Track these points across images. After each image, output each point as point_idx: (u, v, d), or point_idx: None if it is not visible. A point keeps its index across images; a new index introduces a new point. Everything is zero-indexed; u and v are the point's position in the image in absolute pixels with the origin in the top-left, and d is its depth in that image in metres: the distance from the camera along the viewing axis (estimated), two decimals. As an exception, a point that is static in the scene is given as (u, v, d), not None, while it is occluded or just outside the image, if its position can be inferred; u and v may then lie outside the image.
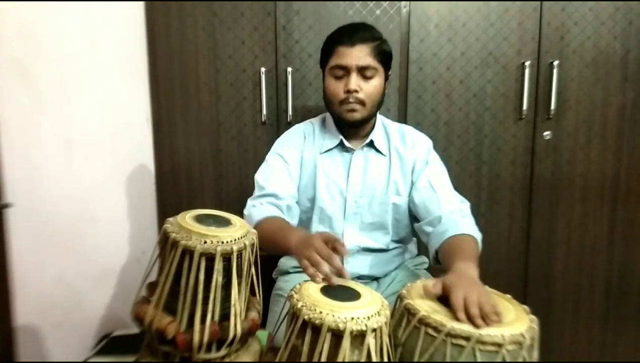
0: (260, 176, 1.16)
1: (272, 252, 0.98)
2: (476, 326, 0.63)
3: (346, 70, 1.07)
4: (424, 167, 1.15)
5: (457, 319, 0.64)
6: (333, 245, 0.83)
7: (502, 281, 1.60)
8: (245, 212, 1.10)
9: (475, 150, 1.58)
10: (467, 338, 0.61)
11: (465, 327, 0.62)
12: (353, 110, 1.09)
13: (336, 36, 1.10)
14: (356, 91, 1.07)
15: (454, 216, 1.05)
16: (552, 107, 1.52)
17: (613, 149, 1.56)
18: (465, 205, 1.11)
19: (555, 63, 1.50)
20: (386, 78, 1.14)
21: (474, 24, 1.52)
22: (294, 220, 1.12)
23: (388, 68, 1.14)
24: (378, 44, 1.08)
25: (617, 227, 1.59)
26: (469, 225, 1.03)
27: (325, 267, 0.75)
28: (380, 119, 1.22)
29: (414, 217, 1.18)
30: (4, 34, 1.15)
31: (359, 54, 1.06)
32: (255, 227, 0.96)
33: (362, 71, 1.07)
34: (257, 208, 1.08)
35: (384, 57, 1.10)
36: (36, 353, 1.26)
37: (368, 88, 1.08)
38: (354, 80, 1.07)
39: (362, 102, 1.09)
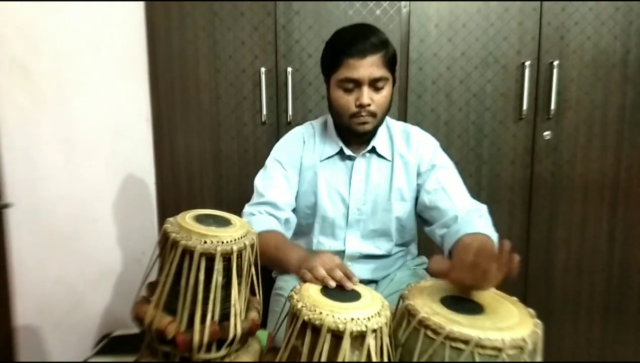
0: (259, 182, 1.14)
1: (268, 266, 0.95)
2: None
3: (357, 83, 1.02)
4: (430, 170, 1.11)
5: (458, 322, 0.64)
6: (338, 271, 0.77)
7: (502, 281, 1.59)
8: (244, 219, 1.08)
9: (475, 150, 1.58)
10: (465, 342, 0.60)
11: (464, 331, 0.61)
12: (364, 123, 1.06)
13: (344, 46, 1.02)
14: (369, 105, 1.04)
15: (469, 216, 1.01)
16: (552, 107, 1.52)
17: (613, 149, 1.56)
18: (482, 206, 1.07)
19: (555, 63, 1.50)
20: (394, 83, 1.09)
21: (474, 24, 1.52)
22: (290, 232, 1.11)
23: (395, 71, 1.09)
24: (386, 51, 1.03)
25: (617, 227, 1.59)
26: (485, 225, 0.99)
27: (332, 282, 0.73)
28: (384, 121, 1.18)
29: (423, 221, 1.14)
30: (4, 34, 1.15)
31: (370, 67, 1.00)
32: None
33: (374, 83, 1.03)
34: (256, 218, 1.06)
35: (393, 63, 1.06)
36: (36, 353, 1.25)
37: (379, 99, 1.05)
38: (366, 94, 1.02)
39: (373, 114, 1.05)
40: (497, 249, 0.69)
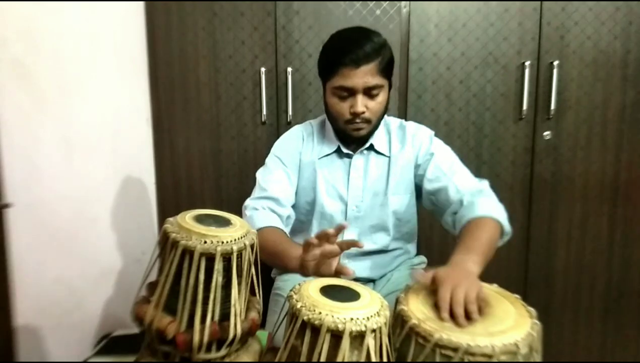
0: (260, 177, 1.15)
1: (267, 262, 0.95)
2: (460, 325, 0.64)
3: (351, 92, 1.03)
4: (429, 159, 1.12)
5: (449, 328, 0.63)
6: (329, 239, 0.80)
7: (502, 281, 1.59)
8: (247, 213, 1.09)
9: (475, 150, 1.58)
10: (455, 349, 0.60)
11: (453, 338, 0.61)
12: (359, 129, 1.07)
13: (338, 55, 1.02)
14: (363, 113, 1.04)
15: (472, 199, 1.01)
16: (552, 107, 1.52)
17: (613, 149, 1.55)
18: (484, 183, 1.06)
19: (555, 63, 1.50)
20: (390, 87, 1.09)
21: (474, 24, 1.52)
22: (288, 229, 1.12)
23: (392, 75, 1.09)
24: (382, 58, 1.02)
25: (617, 227, 1.59)
26: (487, 205, 0.98)
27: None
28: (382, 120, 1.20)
29: (434, 211, 1.14)
30: (4, 34, 1.15)
31: (364, 76, 1.00)
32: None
33: (368, 91, 1.03)
34: (259, 213, 1.07)
35: (389, 69, 1.05)
36: (36, 353, 1.25)
37: (374, 106, 1.05)
38: (360, 102, 1.03)
39: (368, 121, 1.06)
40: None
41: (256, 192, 1.13)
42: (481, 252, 0.85)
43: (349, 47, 1.01)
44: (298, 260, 0.84)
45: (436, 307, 0.69)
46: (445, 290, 0.68)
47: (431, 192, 1.10)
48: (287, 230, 1.09)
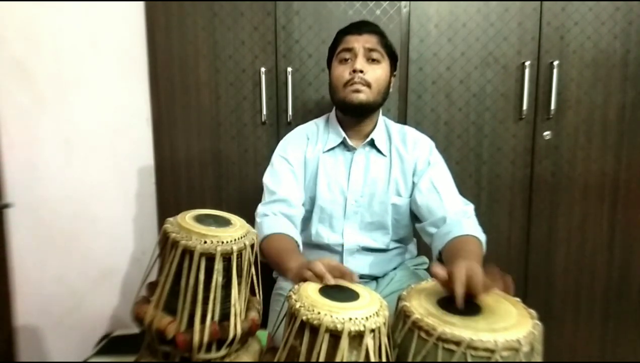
0: (268, 180, 1.16)
1: (271, 266, 0.99)
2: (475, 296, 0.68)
3: (353, 53, 1.09)
4: (425, 168, 1.14)
5: (451, 323, 0.64)
6: (338, 270, 0.76)
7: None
8: (258, 219, 1.10)
9: (475, 150, 1.58)
10: (457, 343, 0.60)
11: (456, 332, 0.61)
12: (358, 91, 1.08)
13: (344, 28, 1.14)
14: (362, 71, 1.07)
15: (457, 217, 1.04)
16: (552, 107, 1.52)
17: (613, 149, 1.55)
18: (470, 207, 1.10)
19: (555, 63, 1.50)
20: (392, 74, 1.15)
21: (474, 24, 1.52)
22: (299, 228, 1.13)
23: (393, 64, 1.15)
24: (384, 37, 1.12)
25: (617, 227, 1.59)
26: (473, 227, 1.03)
27: (330, 277, 0.73)
28: (382, 119, 1.22)
29: (415, 218, 1.17)
30: (4, 34, 1.15)
31: (366, 41, 1.09)
32: (263, 240, 1.00)
33: (369, 53, 1.09)
34: (268, 219, 1.07)
35: (390, 51, 1.13)
36: (36, 353, 1.26)
37: (374, 71, 1.09)
38: (360, 61, 1.08)
39: (368, 84, 1.08)
40: (484, 270, 0.71)
41: (266, 197, 1.14)
42: (479, 262, 0.87)
43: (355, 23, 1.15)
44: (294, 275, 0.82)
45: (439, 304, 0.69)
46: (461, 269, 0.69)
47: (417, 202, 1.12)
48: (298, 229, 1.11)
